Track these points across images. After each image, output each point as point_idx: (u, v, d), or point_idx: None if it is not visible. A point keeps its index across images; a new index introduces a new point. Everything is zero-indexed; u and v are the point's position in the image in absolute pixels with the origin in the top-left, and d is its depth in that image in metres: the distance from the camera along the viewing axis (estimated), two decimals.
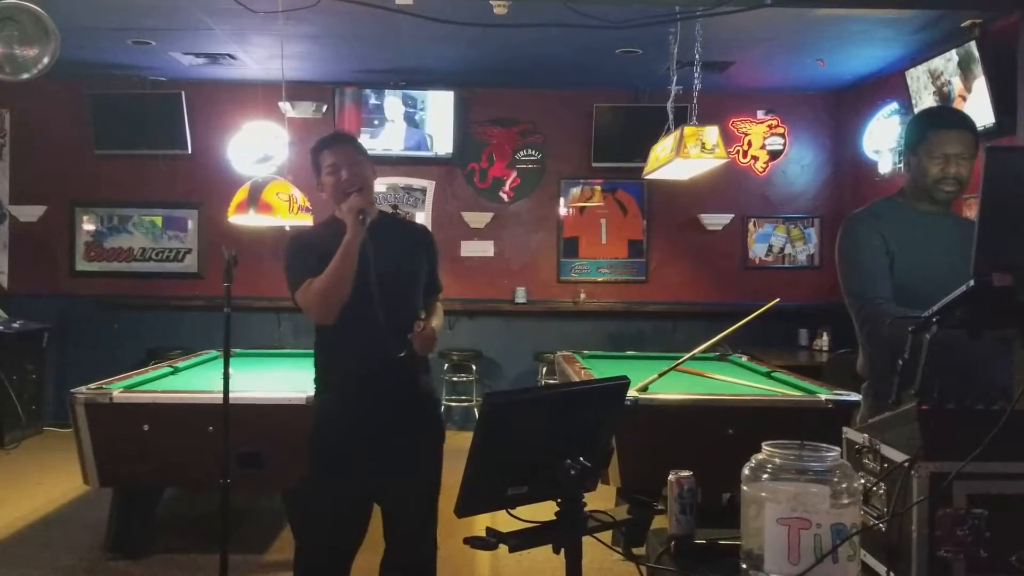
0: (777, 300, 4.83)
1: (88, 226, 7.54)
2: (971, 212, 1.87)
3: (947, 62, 5.34)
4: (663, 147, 5.01)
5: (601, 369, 4.94)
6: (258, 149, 6.88)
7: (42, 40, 3.87)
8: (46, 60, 3.92)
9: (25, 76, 3.94)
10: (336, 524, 2.75)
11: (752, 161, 7.59)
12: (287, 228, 6.08)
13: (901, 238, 2.54)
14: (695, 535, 1.91)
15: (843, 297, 2.68)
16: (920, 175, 2.56)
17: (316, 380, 2.88)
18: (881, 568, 1.67)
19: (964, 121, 2.61)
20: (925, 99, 5.63)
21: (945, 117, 2.67)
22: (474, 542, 1.64)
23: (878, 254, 2.54)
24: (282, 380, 4.60)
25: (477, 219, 7.56)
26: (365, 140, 7.27)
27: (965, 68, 5.19)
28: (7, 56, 3.87)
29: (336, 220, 2.82)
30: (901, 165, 2.75)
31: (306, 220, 5.12)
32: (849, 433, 1.92)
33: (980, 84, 5.08)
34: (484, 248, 7.60)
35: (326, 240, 2.74)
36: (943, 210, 2.60)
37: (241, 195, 4.86)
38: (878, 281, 2.53)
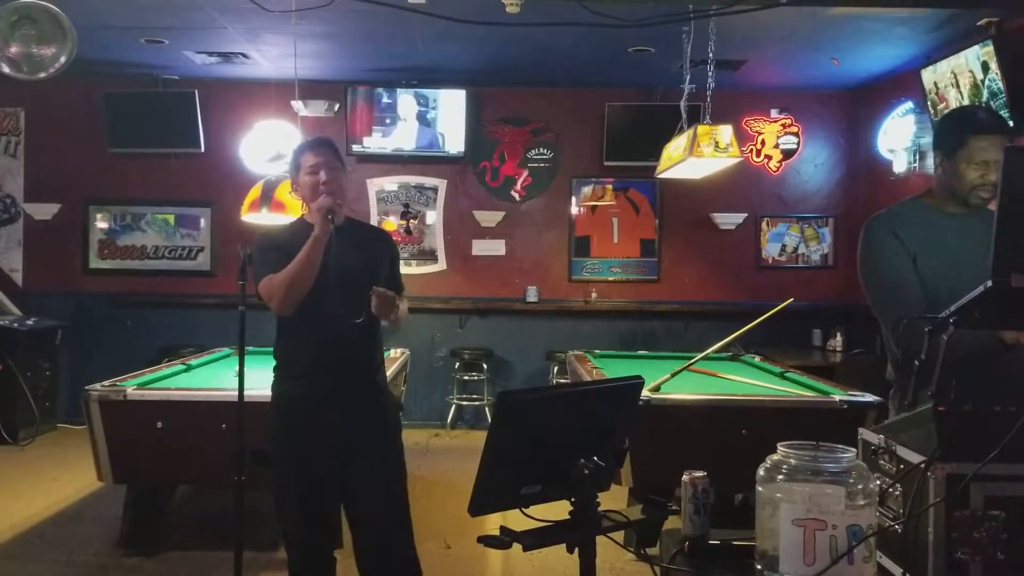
0: (790, 300, 4.81)
1: (101, 224, 7.58)
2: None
3: (963, 61, 5.30)
4: (676, 146, 5.00)
5: (613, 369, 4.93)
6: (271, 148, 6.91)
7: (59, 39, 3.89)
8: (63, 59, 3.94)
9: (42, 75, 3.97)
10: (302, 514, 2.86)
11: (766, 160, 7.56)
12: None
13: (923, 240, 2.48)
14: (709, 535, 1.90)
15: (861, 299, 2.64)
16: (957, 180, 2.48)
17: (274, 370, 2.97)
18: (897, 570, 1.66)
19: (1002, 125, 2.53)
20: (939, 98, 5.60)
21: (984, 122, 2.54)
22: (488, 541, 1.64)
23: (899, 257, 2.48)
24: None
25: (488, 218, 7.56)
26: (377, 139, 7.32)
27: (981, 67, 5.15)
28: (25, 55, 3.89)
29: (304, 222, 2.96)
30: (932, 165, 2.65)
31: None
32: (865, 434, 1.91)
33: (996, 83, 5.03)
34: (495, 247, 7.60)
35: (292, 240, 2.87)
36: (971, 211, 2.51)
37: (254, 193, 4.87)
38: (906, 292, 2.44)
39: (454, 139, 7.34)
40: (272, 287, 2.83)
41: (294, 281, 2.79)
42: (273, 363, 2.99)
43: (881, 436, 1.82)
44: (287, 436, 2.88)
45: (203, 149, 7.37)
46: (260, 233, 3.11)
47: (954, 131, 2.54)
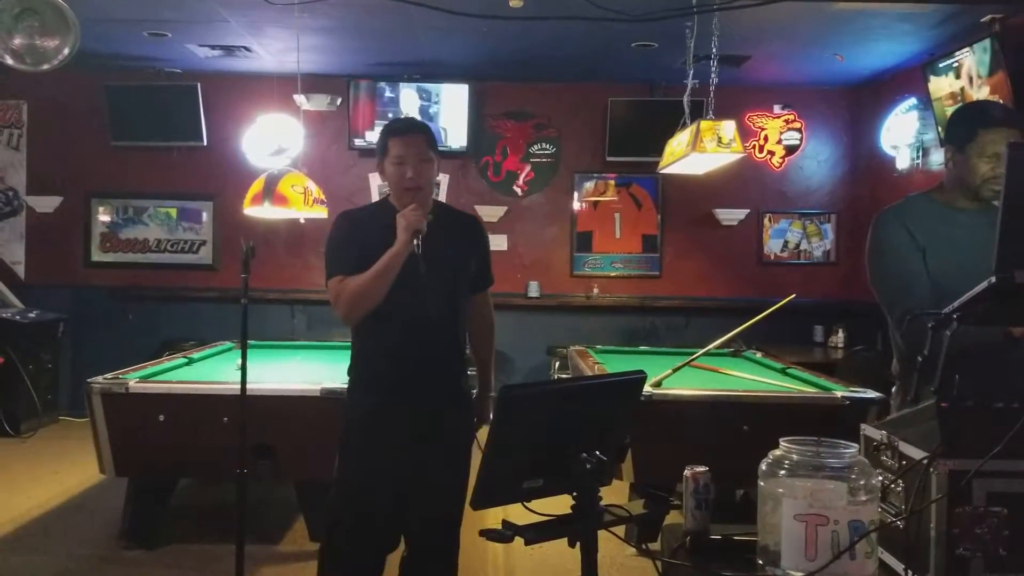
0: (792, 296, 4.81)
1: (104, 217, 7.58)
2: None
3: (967, 57, 5.29)
4: (679, 141, 4.99)
5: (614, 364, 4.93)
6: (273, 141, 6.89)
7: (63, 31, 3.89)
8: (66, 51, 3.94)
9: (45, 67, 3.97)
10: (370, 527, 2.70)
11: (768, 156, 7.55)
12: (301, 220, 6.09)
13: (932, 234, 2.47)
14: (710, 531, 1.90)
15: (863, 296, 2.64)
16: (968, 174, 2.47)
17: (350, 374, 2.84)
18: (899, 566, 1.66)
19: (1013, 119, 2.51)
20: (943, 94, 5.59)
21: (995, 115, 2.53)
22: (490, 534, 1.64)
23: (908, 250, 2.47)
24: (296, 372, 4.62)
25: (490, 213, 7.54)
26: (378, 133, 7.28)
27: (985, 63, 5.14)
28: (28, 47, 3.89)
29: (389, 205, 2.79)
30: (935, 162, 2.65)
31: (320, 213, 5.13)
32: (867, 430, 1.91)
33: (1000, 80, 5.02)
34: (497, 242, 7.57)
35: (373, 231, 2.70)
36: (981, 207, 2.48)
37: (256, 187, 4.87)
38: (913, 286, 2.43)
39: (456, 134, 7.33)
40: (340, 294, 2.65)
41: (364, 295, 2.62)
42: (348, 364, 2.83)
43: (883, 432, 1.82)
44: (360, 454, 2.70)
45: (205, 143, 7.36)
46: (339, 217, 2.85)
47: (965, 124, 2.53)
